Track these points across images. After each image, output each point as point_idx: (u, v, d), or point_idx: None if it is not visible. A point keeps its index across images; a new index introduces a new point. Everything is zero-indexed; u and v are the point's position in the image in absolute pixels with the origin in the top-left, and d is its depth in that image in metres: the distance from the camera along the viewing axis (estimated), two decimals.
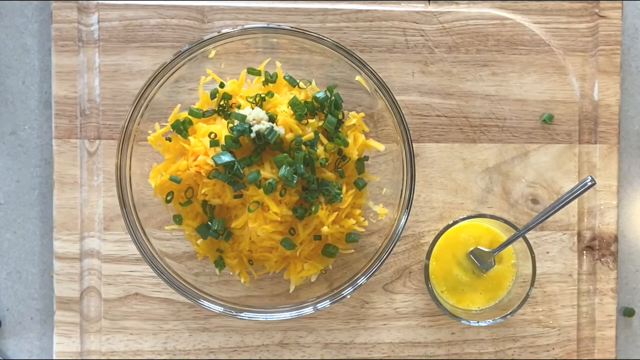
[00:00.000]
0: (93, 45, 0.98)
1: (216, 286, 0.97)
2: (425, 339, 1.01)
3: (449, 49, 1.00)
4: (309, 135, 0.90)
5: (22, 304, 1.01)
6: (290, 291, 0.96)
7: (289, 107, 0.91)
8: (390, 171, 0.95)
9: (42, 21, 1.00)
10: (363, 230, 0.95)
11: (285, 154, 0.89)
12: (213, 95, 0.93)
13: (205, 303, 0.92)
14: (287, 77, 0.94)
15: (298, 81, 0.94)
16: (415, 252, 1.01)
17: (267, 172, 0.89)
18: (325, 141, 0.92)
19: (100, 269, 0.98)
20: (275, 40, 0.94)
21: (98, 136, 0.98)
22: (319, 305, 0.92)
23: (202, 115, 0.92)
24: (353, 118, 0.94)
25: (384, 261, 0.92)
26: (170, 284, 0.91)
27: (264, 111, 0.90)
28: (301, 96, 0.93)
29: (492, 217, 0.97)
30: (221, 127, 0.90)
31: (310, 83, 0.95)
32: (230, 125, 0.89)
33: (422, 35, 1.00)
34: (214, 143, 0.89)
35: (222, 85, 0.93)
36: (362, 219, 0.95)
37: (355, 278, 0.93)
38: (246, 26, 0.91)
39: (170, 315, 0.99)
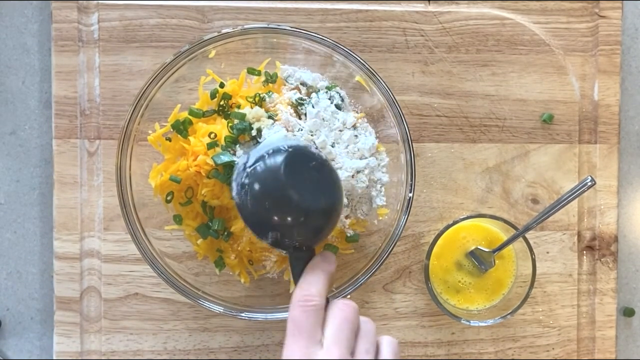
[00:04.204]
0: (93, 45, 0.98)
1: (216, 286, 0.97)
2: (425, 339, 1.01)
3: (449, 49, 1.00)
4: None
5: (22, 304, 1.01)
6: (291, 291, 0.95)
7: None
8: (390, 171, 0.95)
9: (42, 21, 1.00)
10: (363, 230, 0.95)
11: None
12: (213, 95, 0.93)
13: (206, 303, 0.92)
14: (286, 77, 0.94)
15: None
16: (415, 252, 1.01)
17: None
18: None
19: (101, 269, 0.98)
20: (275, 40, 0.94)
21: (98, 136, 0.98)
22: None
23: (202, 115, 0.92)
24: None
25: (384, 261, 0.92)
26: (170, 284, 0.91)
27: (264, 110, 0.90)
28: None
29: (492, 217, 0.97)
30: (221, 127, 0.90)
31: None
32: (230, 124, 0.89)
33: (422, 35, 1.00)
34: (213, 144, 0.89)
35: (222, 85, 0.93)
36: (362, 218, 0.95)
37: (356, 278, 0.93)
38: (246, 26, 0.91)
39: (170, 315, 0.99)
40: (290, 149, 0.77)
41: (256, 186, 0.76)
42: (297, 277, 0.77)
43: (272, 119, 0.89)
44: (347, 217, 0.91)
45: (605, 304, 1.02)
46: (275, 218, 0.76)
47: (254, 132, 0.88)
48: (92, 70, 0.98)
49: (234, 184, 0.78)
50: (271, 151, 0.77)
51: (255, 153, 0.78)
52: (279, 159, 0.77)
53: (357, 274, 0.93)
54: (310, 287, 0.74)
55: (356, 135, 0.91)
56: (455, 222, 0.97)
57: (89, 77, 0.98)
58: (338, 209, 0.79)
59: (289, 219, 0.76)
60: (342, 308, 0.73)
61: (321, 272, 0.76)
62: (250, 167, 0.77)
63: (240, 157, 0.85)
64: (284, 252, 0.82)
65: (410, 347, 1.01)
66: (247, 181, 0.77)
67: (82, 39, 0.98)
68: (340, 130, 0.91)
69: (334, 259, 0.78)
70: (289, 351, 0.71)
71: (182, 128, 0.91)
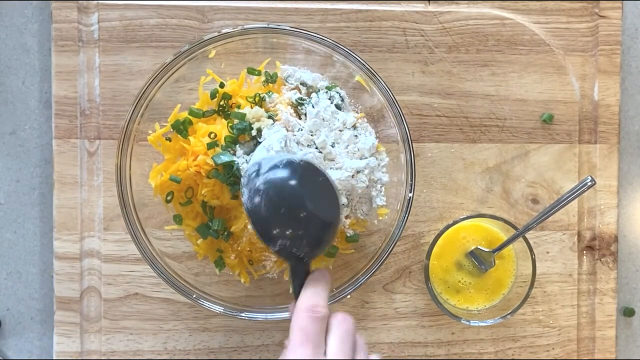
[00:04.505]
0: (93, 45, 0.98)
1: (216, 286, 0.97)
2: (425, 339, 1.01)
3: (449, 49, 1.00)
4: None
5: (22, 304, 1.01)
6: (290, 292, 0.95)
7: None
8: (390, 171, 0.95)
9: (42, 21, 1.00)
10: (363, 230, 0.95)
11: None
12: (213, 95, 0.93)
13: (206, 303, 0.92)
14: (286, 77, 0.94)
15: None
16: (415, 252, 1.01)
17: None
18: None
19: (101, 268, 0.98)
20: (275, 40, 0.94)
21: (98, 136, 0.98)
22: None
23: (202, 115, 0.92)
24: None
25: (384, 261, 0.92)
26: (170, 284, 0.91)
27: (264, 110, 0.90)
28: None
29: (492, 217, 0.97)
30: (221, 127, 0.90)
31: None
32: (230, 124, 0.89)
33: (422, 35, 1.00)
34: (213, 144, 0.89)
35: (222, 85, 0.93)
36: (362, 218, 0.95)
37: (356, 278, 0.93)
38: (246, 26, 0.91)
39: (170, 315, 0.99)
40: (302, 163, 0.80)
41: (273, 192, 0.78)
42: (297, 288, 0.79)
43: (272, 119, 0.89)
44: (347, 217, 0.91)
45: (605, 304, 1.02)
46: (289, 226, 0.78)
47: (254, 132, 0.88)
48: (92, 70, 0.98)
49: (244, 190, 0.80)
50: (285, 161, 0.80)
51: (267, 162, 0.80)
52: (295, 169, 0.79)
53: (357, 274, 0.93)
54: (316, 297, 0.77)
55: (356, 135, 0.91)
56: (455, 222, 0.97)
57: (89, 77, 0.98)
58: (338, 223, 0.82)
59: (302, 227, 0.78)
60: (343, 321, 0.76)
61: (323, 285, 0.79)
62: (265, 173, 0.79)
63: (248, 165, 0.86)
64: (285, 260, 0.83)
65: (410, 347, 1.01)
66: (262, 187, 0.79)
67: (82, 39, 0.98)
68: (340, 130, 0.91)
69: (330, 277, 0.81)
70: (296, 357, 0.72)
71: (182, 128, 0.91)
